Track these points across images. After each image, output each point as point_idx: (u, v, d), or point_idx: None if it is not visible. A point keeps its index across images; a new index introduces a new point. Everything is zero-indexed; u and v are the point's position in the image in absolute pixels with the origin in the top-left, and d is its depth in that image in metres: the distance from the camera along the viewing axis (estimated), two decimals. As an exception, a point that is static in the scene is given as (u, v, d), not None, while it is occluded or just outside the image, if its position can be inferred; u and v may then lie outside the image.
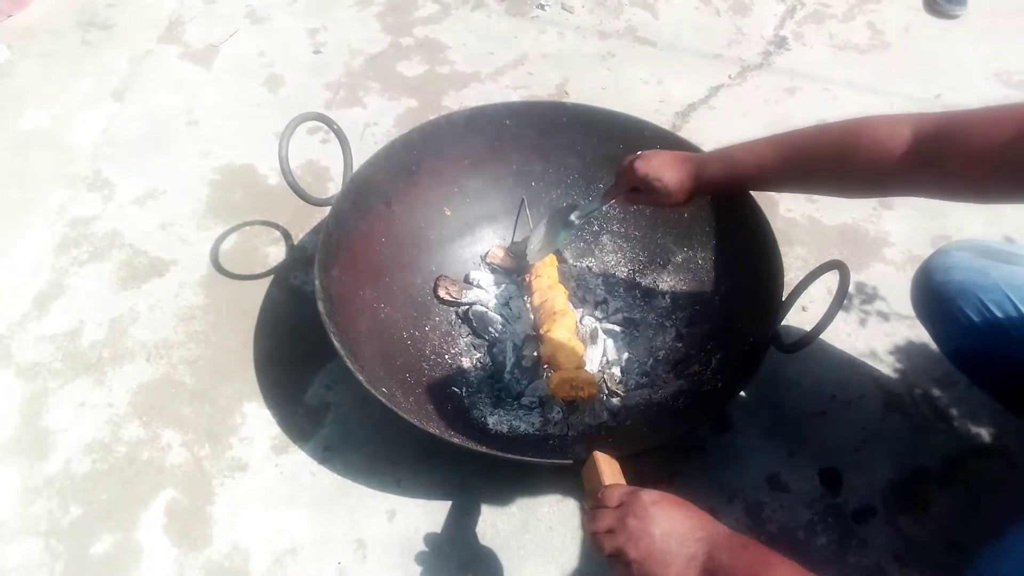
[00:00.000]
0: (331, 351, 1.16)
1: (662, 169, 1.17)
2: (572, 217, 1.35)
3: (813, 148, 1.04)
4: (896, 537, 1.26)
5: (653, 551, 0.78)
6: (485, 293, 1.51)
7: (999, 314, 1.10)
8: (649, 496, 0.83)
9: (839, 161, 1.00)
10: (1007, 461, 1.35)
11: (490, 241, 1.59)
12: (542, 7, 2.32)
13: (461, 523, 1.28)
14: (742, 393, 1.43)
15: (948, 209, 1.76)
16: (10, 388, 1.44)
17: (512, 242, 1.59)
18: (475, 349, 1.46)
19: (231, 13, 2.28)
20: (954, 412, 1.42)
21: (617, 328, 1.46)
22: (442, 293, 1.48)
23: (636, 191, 1.23)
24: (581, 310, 1.50)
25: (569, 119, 1.50)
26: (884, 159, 0.94)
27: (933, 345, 1.29)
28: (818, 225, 1.74)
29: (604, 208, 1.57)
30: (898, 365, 1.49)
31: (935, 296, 1.19)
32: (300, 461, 1.35)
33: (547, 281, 1.43)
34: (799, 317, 1.53)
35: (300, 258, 1.66)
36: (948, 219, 1.75)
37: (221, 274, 1.63)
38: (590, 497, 0.94)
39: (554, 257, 1.48)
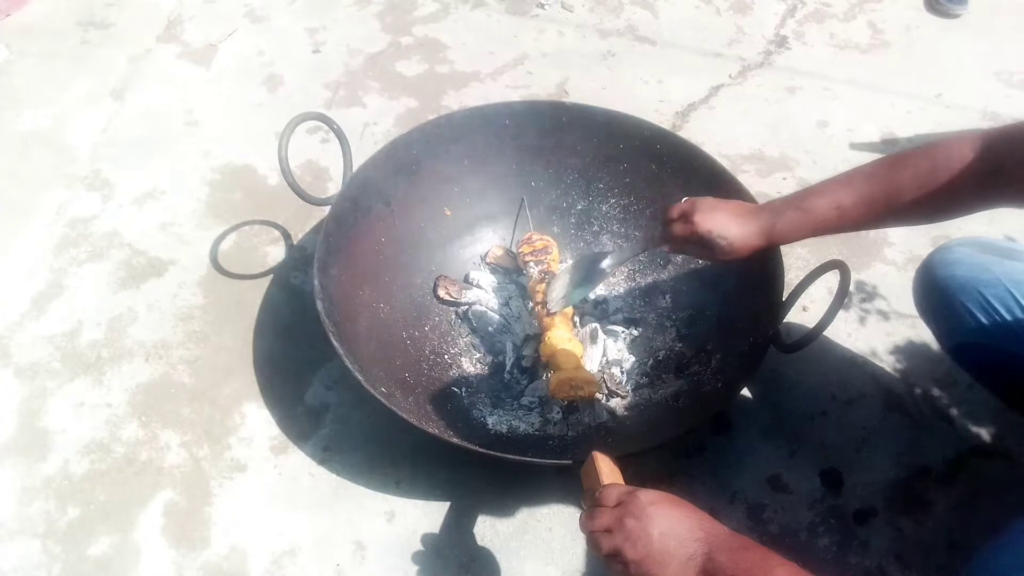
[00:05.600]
0: (330, 351, 1.16)
1: (728, 225, 1.07)
2: (603, 265, 1.24)
3: (891, 179, 1.00)
4: (897, 538, 1.26)
5: (651, 551, 0.78)
6: (485, 293, 1.50)
7: (1001, 310, 1.10)
8: (647, 496, 0.83)
9: (920, 187, 0.96)
10: (1008, 461, 1.35)
11: (490, 241, 1.58)
12: (542, 6, 2.32)
13: (460, 524, 1.27)
14: (742, 393, 1.43)
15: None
16: (8, 388, 1.43)
17: (512, 242, 1.59)
18: (475, 349, 1.45)
19: (230, 12, 2.27)
20: (955, 412, 1.42)
21: (617, 328, 1.46)
22: (442, 293, 1.47)
23: (687, 243, 1.12)
24: (581, 310, 1.49)
25: (569, 119, 1.50)
26: (960, 178, 0.93)
27: (934, 344, 1.29)
28: (818, 225, 1.73)
29: (604, 208, 1.57)
30: (899, 365, 1.49)
31: (937, 292, 1.19)
32: (299, 462, 1.35)
33: (547, 280, 1.42)
34: (799, 317, 1.52)
35: (300, 258, 1.66)
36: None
37: (220, 274, 1.63)
38: (588, 496, 0.94)
39: (557, 256, 1.47)
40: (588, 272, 1.27)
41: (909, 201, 0.98)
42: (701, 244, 1.10)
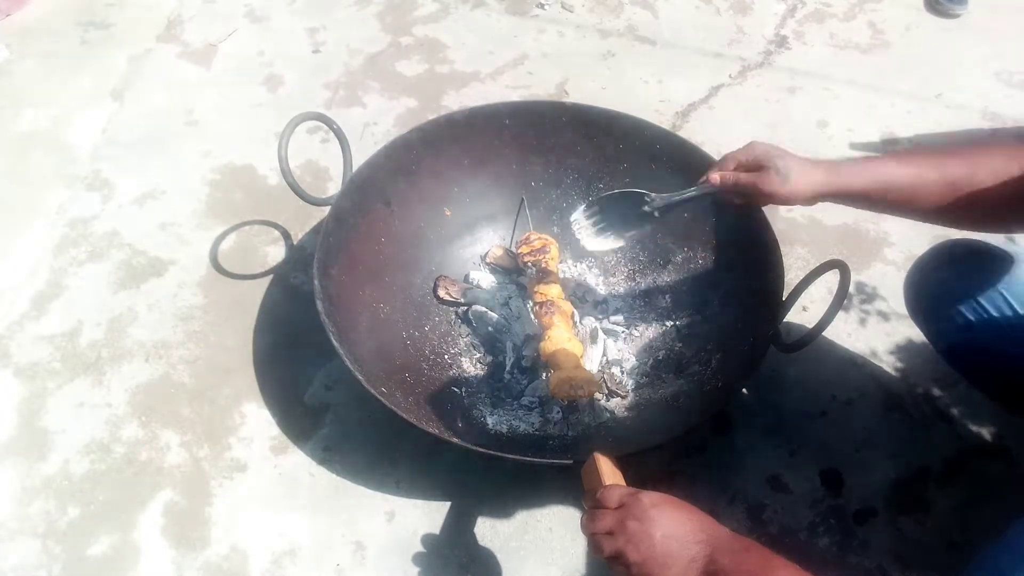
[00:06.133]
0: (330, 351, 1.16)
1: (786, 157, 1.01)
2: (648, 208, 1.14)
3: (980, 158, 0.96)
4: (897, 538, 1.26)
5: (654, 554, 0.78)
6: (485, 293, 1.50)
7: (992, 310, 1.10)
8: (649, 498, 0.83)
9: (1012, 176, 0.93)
10: (1007, 461, 1.35)
11: (490, 241, 1.58)
12: (542, 6, 2.32)
13: (460, 524, 1.27)
14: (742, 393, 1.43)
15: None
16: (8, 388, 1.43)
17: (512, 241, 1.59)
18: (475, 349, 1.45)
19: (230, 12, 2.27)
20: (954, 412, 1.42)
21: (617, 328, 1.46)
22: (442, 293, 1.47)
23: (740, 179, 1.04)
24: (581, 310, 1.49)
25: (569, 119, 1.50)
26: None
27: (934, 345, 1.29)
28: (818, 225, 1.73)
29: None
30: (898, 365, 1.49)
31: (929, 294, 1.19)
32: (299, 462, 1.35)
33: (547, 280, 1.42)
34: (799, 317, 1.52)
35: (299, 258, 1.66)
36: (949, 219, 1.74)
37: (220, 274, 1.63)
38: (589, 497, 0.94)
39: (556, 255, 1.47)
40: (624, 215, 1.18)
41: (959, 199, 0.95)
42: (755, 169, 1.02)
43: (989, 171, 0.93)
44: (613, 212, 1.20)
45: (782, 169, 0.99)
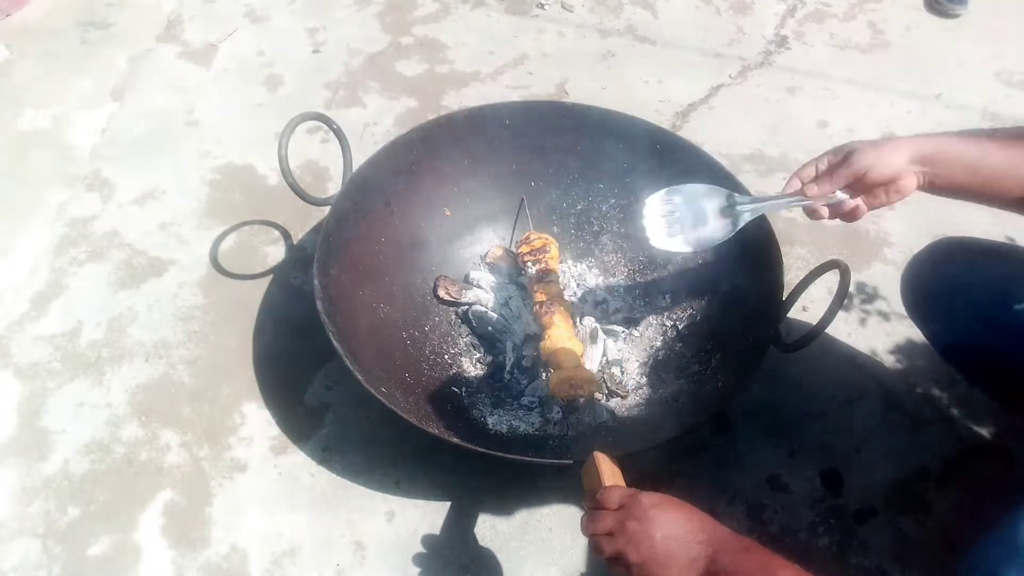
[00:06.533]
0: (330, 351, 1.16)
1: (868, 139, 0.96)
2: (734, 209, 1.03)
3: None
4: (897, 538, 1.26)
5: (654, 554, 0.78)
6: (485, 293, 1.50)
7: (990, 309, 1.10)
8: (649, 499, 0.83)
9: None
10: (1007, 461, 1.35)
11: (490, 241, 1.58)
12: (542, 6, 2.32)
13: (460, 524, 1.27)
14: (742, 393, 1.43)
15: (949, 209, 1.75)
16: (8, 388, 1.43)
17: (513, 241, 1.59)
18: (475, 349, 1.45)
19: (230, 12, 2.27)
20: (954, 412, 1.42)
21: (617, 328, 1.46)
22: (442, 293, 1.47)
23: (834, 164, 0.98)
24: (581, 310, 1.49)
25: (569, 119, 1.50)
26: None
27: (934, 345, 1.29)
28: (818, 225, 1.73)
29: (604, 208, 1.57)
30: (898, 365, 1.49)
31: (926, 292, 1.19)
32: (299, 462, 1.35)
33: (547, 280, 1.42)
34: (799, 317, 1.52)
35: (299, 258, 1.66)
36: (949, 219, 1.74)
37: (220, 274, 1.63)
38: (589, 498, 0.94)
39: (556, 255, 1.47)
40: (700, 214, 1.05)
41: None
42: (843, 153, 0.97)
43: None
44: (690, 208, 1.06)
45: (868, 142, 0.95)
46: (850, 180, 0.96)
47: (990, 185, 0.95)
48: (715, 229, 1.05)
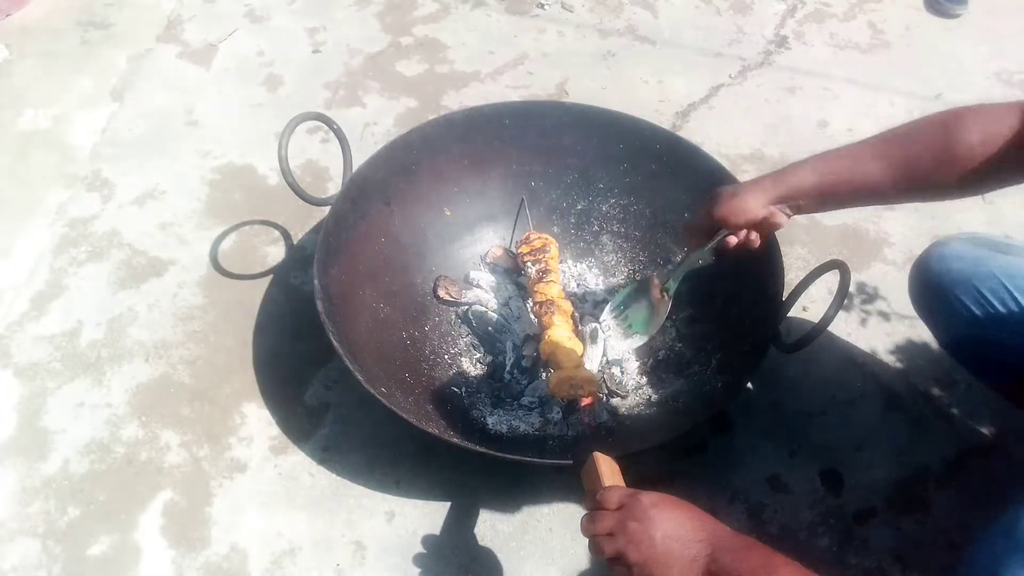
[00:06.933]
0: (330, 351, 1.16)
1: (737, 185, 1.08)
2: (670, 283, 1.24)
3: (914, 136, 0.99)
4: (897, 538, 1.26)
5: (655, 554, 0.78)
6: (485, 293, 1.50)
7: (996, 304, 1.11)
8: (649, 498, 0.83)
9: (944, 147, 0.94)
10: (1007, 461, 1.35)
11: (490, 241, 1.58)
12: (542, 6, 2.32)
13: (460, 524, 1.27)
14: (742, 392, 1.43)
15: (949, 209, 1.75)
16: (8, 388, 1.43)
17: (512, 242, 1.59)
18: (475, 349, 1.45)
19: (230, 12, 2.27)
20: (954, 411, 1.42)
21: (617, 328, 1.46)
22: (442, 293, 1.47)
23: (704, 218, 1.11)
24: (581, 310, 1.49)
25: (569, 119, 1.50)
26: (994, 141, 0.89)
27: (934, 344, 1.29)
28: (818, 225, 1.73)
29: (604, 208, 1.57)
30: (899, 365, 1.49)
31: (932, 287, 1.20)
32: (299, 462, 1.35)
33: (547, 280, 1.42)
34: (799, 317, 1.52)
35: (299, 258, 1.66)
36: (949, 219, 1.75)
37: (220, 274, 1.63)
38: (589, 499, 0.94)
39: (556, 254, 1.47)
40: (644, 303, 1.31)
41: (929, 163, 0.96)
42: (712, 200, 1.08)
43: (922, 147, 0.96)
44: (634, 304, 1.33)
45: (730, 188, 1.07)
46: (714, 230, 1.10)
47: (865, 187, 1.01)
48: (659, 311, 1.28)
